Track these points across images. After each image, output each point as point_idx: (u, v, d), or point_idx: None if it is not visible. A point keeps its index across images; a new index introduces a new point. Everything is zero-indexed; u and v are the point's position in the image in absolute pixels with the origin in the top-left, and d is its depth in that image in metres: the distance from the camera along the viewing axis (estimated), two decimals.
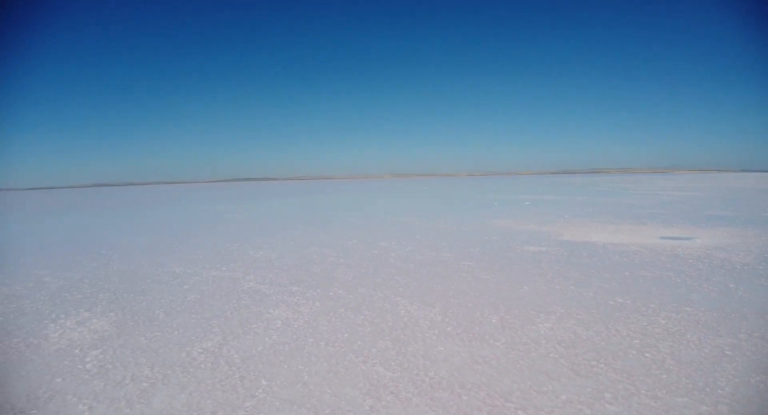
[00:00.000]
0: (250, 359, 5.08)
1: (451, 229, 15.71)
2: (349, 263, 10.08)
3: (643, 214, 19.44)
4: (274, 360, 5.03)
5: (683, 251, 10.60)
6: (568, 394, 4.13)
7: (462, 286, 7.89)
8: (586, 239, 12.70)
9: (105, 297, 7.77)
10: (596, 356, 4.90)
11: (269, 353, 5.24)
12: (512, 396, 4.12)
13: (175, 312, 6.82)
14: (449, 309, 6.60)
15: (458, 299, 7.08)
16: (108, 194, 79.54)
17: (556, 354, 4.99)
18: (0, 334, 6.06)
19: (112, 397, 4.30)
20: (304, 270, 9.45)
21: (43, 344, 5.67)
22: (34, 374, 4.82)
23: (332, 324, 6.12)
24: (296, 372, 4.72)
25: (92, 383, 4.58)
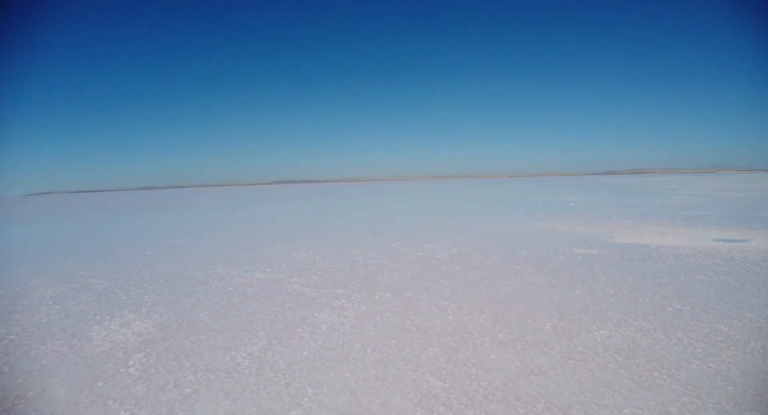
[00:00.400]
0: (295, 364, 4.86)
1: (495, 231, 15.29)
2: (394, 265, 9.83)
3: (692, 215, 18.59)
4: (320, 366, 4.80)
5: (739, 254, 9.97)
6: (632, 408, 3.78)
7: (511, 290, 7.53)
8: (637, 241, 12.14)
9: (150, 299, 7.72)
10: (658, 366, 4.52)
11: (315, 358, 5.01)
12: (572, 410, 3.79)
13: (219, 315, 6.68)
14: (500, 314, 6.27)
15: (508, 304, 6.74)
16: (152, 197, 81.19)
17: (616, 364, 4.63)
18: (43, 336, 6.02)
19: (153, 403, 4.14)
20: (348, 273, 9.24)
21: (86, 347, 5.58)
22: (76, 378, 4.70)
23: (379, 329, 5.86)
24: (343, 380, 4.48)
25: (134, 388, 4.44)
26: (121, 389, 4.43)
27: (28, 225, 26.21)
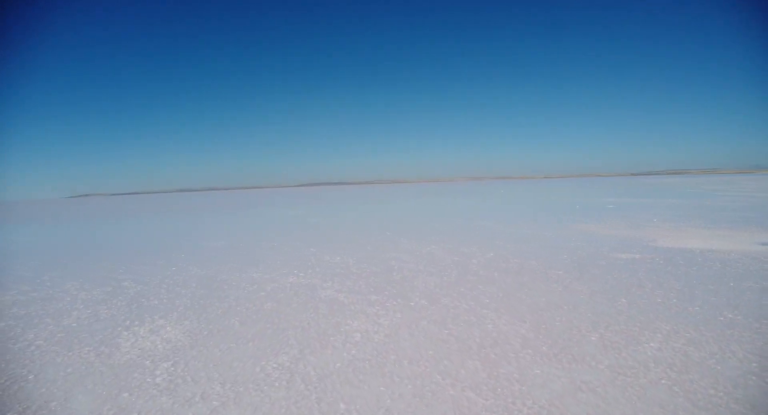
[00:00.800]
0: (327, 377, 4.60)
1: (533, 234, 14.82)
2: (430, 270, 9.52)
3: (736, 217, 17.74)
4: (354, 379, 4.52)
5: None
6: None
7: (553, 298, 7.15)
8: (681, 245, 11.57)
9: (181, 303, 7.57)
10: (713, 383, 4.13)
11: (348, 371, 4.74)
12: None
13: (250, 321, 6.47)
14: (542, 324, 5.91)
15: (551, 313, 6.36)
16: (188, 199, 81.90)
17: (668, 380, 4.24)
18: (72, 341, 5.90)
19: None
20: (383, 278, 8.96)
21: (114, 354, 5.43)
22: (101, 388, 4.53)
23: (415, 339, 5.56)
24: (377, 395, 4.19)
25: (160, 400, 4.23)
26: (146, 401, 4.23)
27: (67, 227, 26.64)
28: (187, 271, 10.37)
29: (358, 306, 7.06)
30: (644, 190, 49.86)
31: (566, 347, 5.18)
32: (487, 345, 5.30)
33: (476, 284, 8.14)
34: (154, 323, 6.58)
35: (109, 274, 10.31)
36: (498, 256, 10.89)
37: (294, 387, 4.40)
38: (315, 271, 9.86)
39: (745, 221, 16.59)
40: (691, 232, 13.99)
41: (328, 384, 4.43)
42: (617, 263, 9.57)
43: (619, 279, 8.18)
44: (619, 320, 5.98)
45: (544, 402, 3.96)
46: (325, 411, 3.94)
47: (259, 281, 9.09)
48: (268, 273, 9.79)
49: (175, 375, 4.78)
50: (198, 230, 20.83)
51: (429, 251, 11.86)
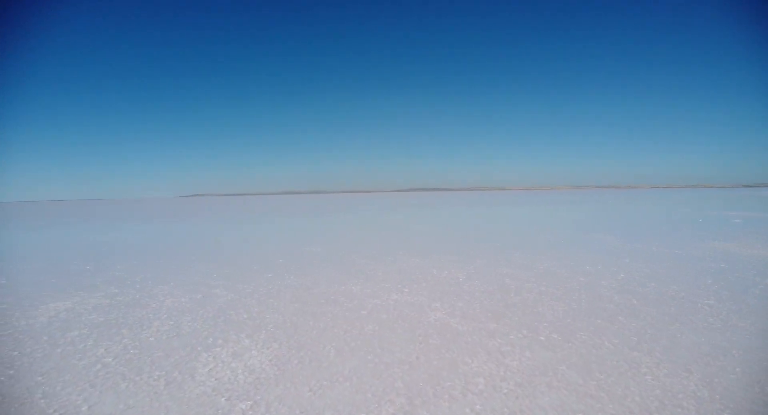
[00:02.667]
0: None
1: (661, 251, 12.81)
2: (554, 292, 8.11)
3: None
4: None
5: None
6: None
7: (715, 338, 5.54)
8: None
9: (272, 320, 6.66)
10: None
11: None
12: None
13: (348, 350, 5.40)
14: (714, 378, 4.39)
15: (720, 361, 4.81)
16: (292, 201, 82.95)
17: None
18: (143, 362, 5.09)
19: None
20: (499, 299, 7.65)
21: (186, 384, 4.51)
22: None
23: (556, 393, 4.19)
24: None
25: None
26: None
27: (171, 225, 27.18)
28: (282, 279, 9.56)
29: (476, 337, 5.78)
30: (763, 204, 44.34)
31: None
32: (653, 408, 3.95)
33: (615, 315, 6.67)
34: (239, 343, 5.67)
35: (203, 278, 9.71)
36: (629, 278, 9.29)
37: None
38: (420, 286, 8.70)
39: None
40: None
41: None
42: None
43: None
44: None
45: None
46: None
47: (359, 296, 8.05)
48: (369, 287, 8.74)
49: None
50: (296, 233, 20.33)
51: (547, 268, 10.39)
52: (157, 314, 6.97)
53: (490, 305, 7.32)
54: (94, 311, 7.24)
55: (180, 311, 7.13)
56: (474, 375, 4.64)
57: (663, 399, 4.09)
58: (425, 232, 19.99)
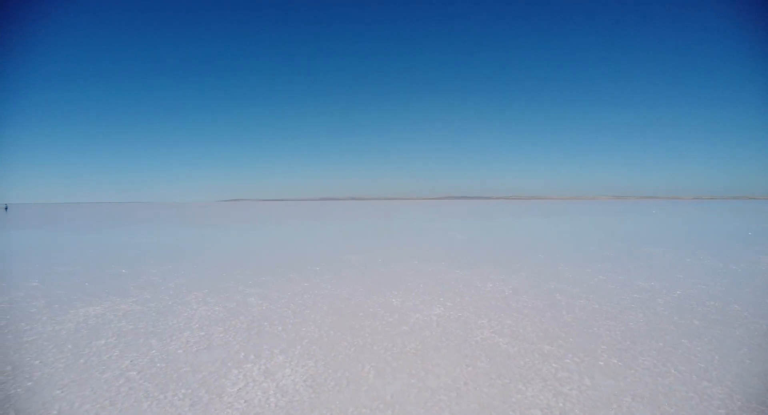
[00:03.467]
0: None
1: (716, 266, 11.96)
2: (608, 311, 7.52)
3: None
4: None
5: None
6: None
7: None
8: None
9: (307, 333, 6.28)
10: None
11: None
12: None
13: (390, 370, 4.97)
14: None
15: None
16: (331, 208, 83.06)
17: None
18: (169, 377, 4.75)
19: None
20: (550, 317, 7.11)
21: (212, 405, 4.13)
22: None
23: None
24: None
25: None
26: None
27: (209, 229, 27.19)
28: (319, 289, 9.20)
29: (528, 360, 5.27)
30: None
31: None
32: None
33: (678, 338, 6.08)
34: (272, 359, 5.29)
35: (237, 286, 9.43)
36: (686, 294, 8.63)
37: None
38: (465, 300, 8.22)
39: None
40: None
41: None
42: None
43: None
44: None
45: None
46: None
47: (400, 309, 7.61)
48: (410, 299, 8.30)
49: None
50: (334, 240, 20.02)
51: (598, 283, 9.78)
52: (189, 324, 6.67)
53: (540, 323, 6.80)
54: (124, 318, 6.99)
55: (212, 321, 6.82)
56: (529, 406, 4.14)
57: None
58: (465, 241, 19.42)
